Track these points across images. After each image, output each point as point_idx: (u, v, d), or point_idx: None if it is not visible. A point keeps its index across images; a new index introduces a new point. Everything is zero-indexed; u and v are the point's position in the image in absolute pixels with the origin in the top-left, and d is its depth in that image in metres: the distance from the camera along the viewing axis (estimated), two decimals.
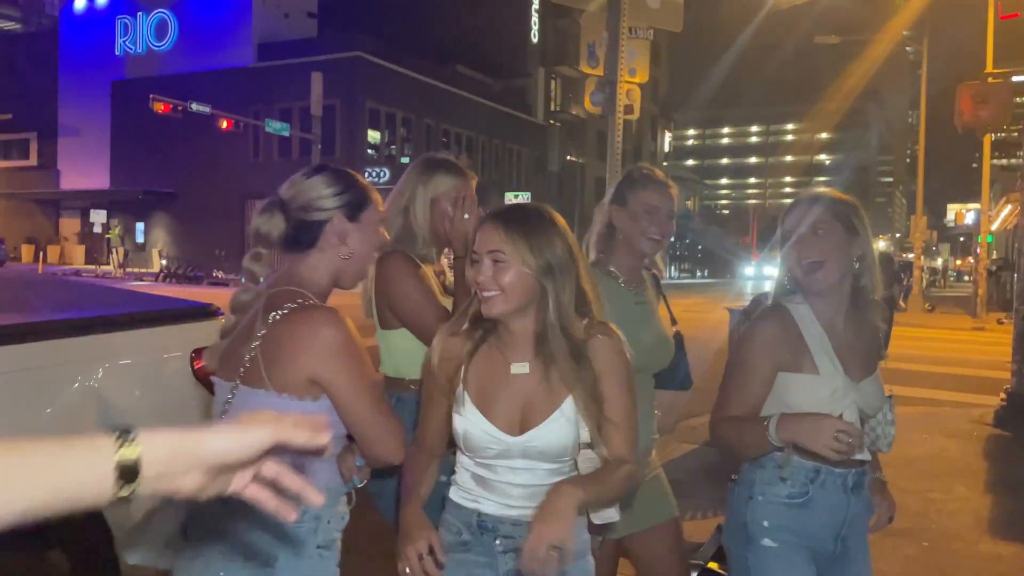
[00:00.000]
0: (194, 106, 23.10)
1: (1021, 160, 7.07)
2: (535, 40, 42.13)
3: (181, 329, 2.71)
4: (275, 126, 26.12)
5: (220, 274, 26.96)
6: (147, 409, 2.51)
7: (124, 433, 0.75)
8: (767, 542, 1.90)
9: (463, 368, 1.68)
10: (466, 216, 2.26)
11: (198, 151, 31.18)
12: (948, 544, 4.14)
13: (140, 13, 35.08)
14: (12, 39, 41.26)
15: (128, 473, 0.74)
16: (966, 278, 46.79)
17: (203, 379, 2.74)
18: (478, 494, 1.68)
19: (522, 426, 1.62)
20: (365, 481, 1.70)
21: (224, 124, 24.74)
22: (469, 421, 1.64)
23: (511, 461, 1.64)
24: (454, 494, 1.73)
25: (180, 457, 0.77)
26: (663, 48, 61.97)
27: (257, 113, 28.51)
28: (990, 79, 8.65)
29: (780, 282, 2.02)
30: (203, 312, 2.84)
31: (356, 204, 1.75)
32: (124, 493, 0.74)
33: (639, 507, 2.18)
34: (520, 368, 1.66)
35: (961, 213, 33.45)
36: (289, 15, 33.95)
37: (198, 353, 2.74)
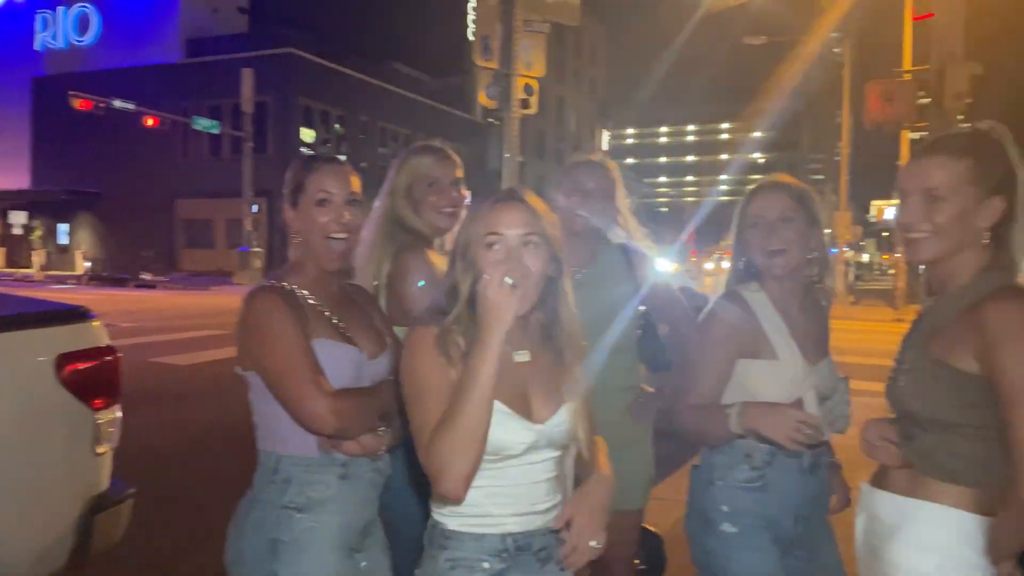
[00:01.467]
0: (117, 103, 22.37)
1: None
2: (472, 37, 41.99)
3: (45, 333, 2.57)
4: (204, 123, 25.47)
5: (148, 276, 26.15)
6: (4, 415, 2.37)
7: None
8: (727, 527, 1.94)
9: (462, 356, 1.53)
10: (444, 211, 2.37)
11: (124, 150, 30.18)
12: None
13: (60, 7, 33.81)
14: None
15: None
16: (891, 272, 48.47)
17: (71, 386, 2.61)
18: (499, 513, 1.52)
19: (536, 415, 1.55)
20: (360, 454, 1.78)
21: (150, 122, 24.03)
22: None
23: (537, 454, 1.54)
24: (464, 525, 1.53)
25: None
26: (601, 48, 62.55)
27: (186, 110, 27.74)
28: (896, 77, 8.93)
29: (735, 269, 2.07)
30: (72, 315, 2.71)
31: (294, 191, 1.87)
32: None
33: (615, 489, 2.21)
34: (522, 356, 1.57)
35: (881, 209, 34.55)
36: (219, 10, 33.14)
37: (65, 359, 2.61)
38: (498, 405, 1.48)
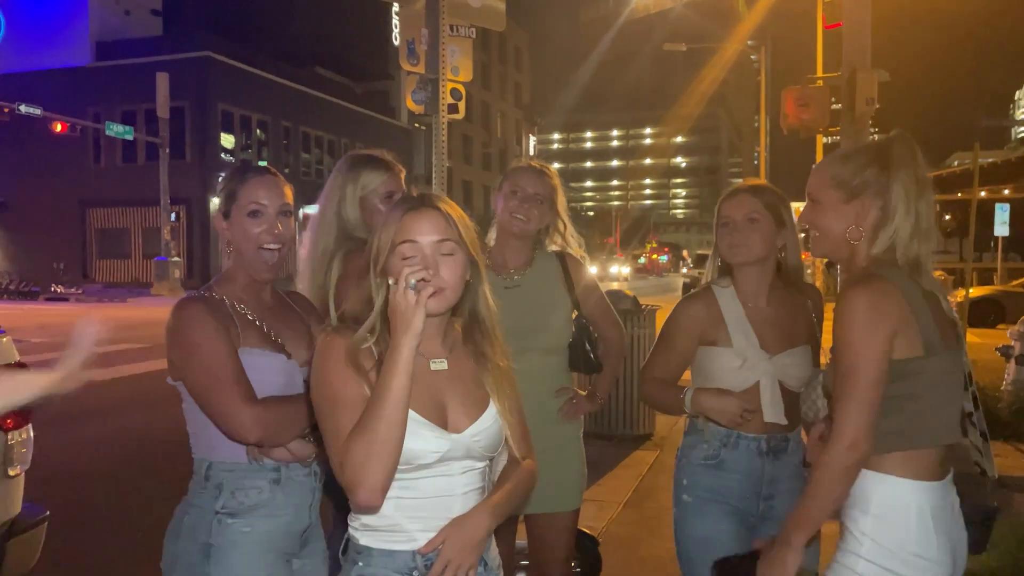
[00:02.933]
0: (23, 108, 21.36)
1: None
2: (396, 42, 41.75)
3: None
4: (117, 129, 24.56)
5: (59, 288, 25.02)
6: None
7: None
8: (685, 497, 2.19)
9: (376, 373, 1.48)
10: None
11: (32, 156, 28.83)
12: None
13: None
14: None
15: None
16: (808, 271, 50.29)
17: None
18: (411, 528, 1.46)
19: (453, 425, 1.50)
20: (286, 461, 1.77)
21: (58, 127, 23.04)
22: None
23: (452, 464, 1.48)
24: (374, 540, 1.48)
25: None
26: (525, 53, 63.06)
27: (97, 116, 26.70)
28: (810, 84, 9.28)
29: (714, 266, 2.27)
30: None
31: (226, 201, 1.87)
32: None
33: (550, 490, 2.31)
34: (439, 364, 1.53)
35: (799, 210, 35.93)
36: (130, 12, 31.98)
37: None
38: (411, 414, 1.43)
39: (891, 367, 1.55)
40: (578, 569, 2.91)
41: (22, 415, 2.63)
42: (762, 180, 2.30)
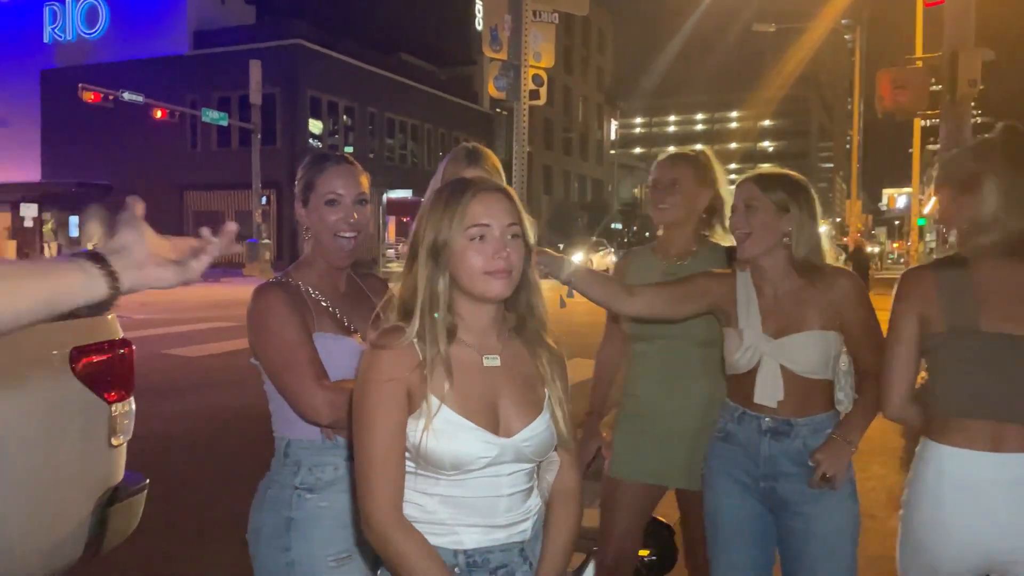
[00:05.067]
0: (126, 95, 22.41)
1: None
2: (480, 28, 41.87)
3: (60, 327, 2.58)
4: (212, 115, 25.50)
5: None
6: (17, 414, 2.39)
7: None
8: (704, 468, 2.31)
9: (427, 373, 1.41)
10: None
11: (134, 142, 30.30)
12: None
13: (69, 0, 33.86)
14: None
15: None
16: (901, 260, 48.15)
17: (86, 379, 2.63)
18: (455, 524, 1.43)
19: (504, 426, 1.45)
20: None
21: (158, 114, 24.07)
22: (447, 432, 1.40)
23: (500, 468, 1.44)
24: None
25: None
26: (608, 37, 62.28)
27: (194, 102, 27.78)
28: (908, 65, 8.86)
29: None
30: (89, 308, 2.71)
31: (304, 189, 1.93)
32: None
33: (700, 470, 2.36)
34: (492, 360, 1.48)
35: (893, 197, 34.41)
36: (226, 1, 33.13)
37: (80, 352, 2.63)
38: (460, 419, 1.41)
39: (921, 339, 1.86)
40: (653, 557, 2.90)
41: (125, 387, 2.79)
42: (782, 170, 2.27)
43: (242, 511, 1.92)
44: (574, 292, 2.22)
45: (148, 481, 2.93)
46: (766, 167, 2.27)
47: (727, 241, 2.52)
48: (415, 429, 1.40)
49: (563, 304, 10.34)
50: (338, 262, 1.92)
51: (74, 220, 33.87)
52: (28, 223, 31.23)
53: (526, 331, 1.52)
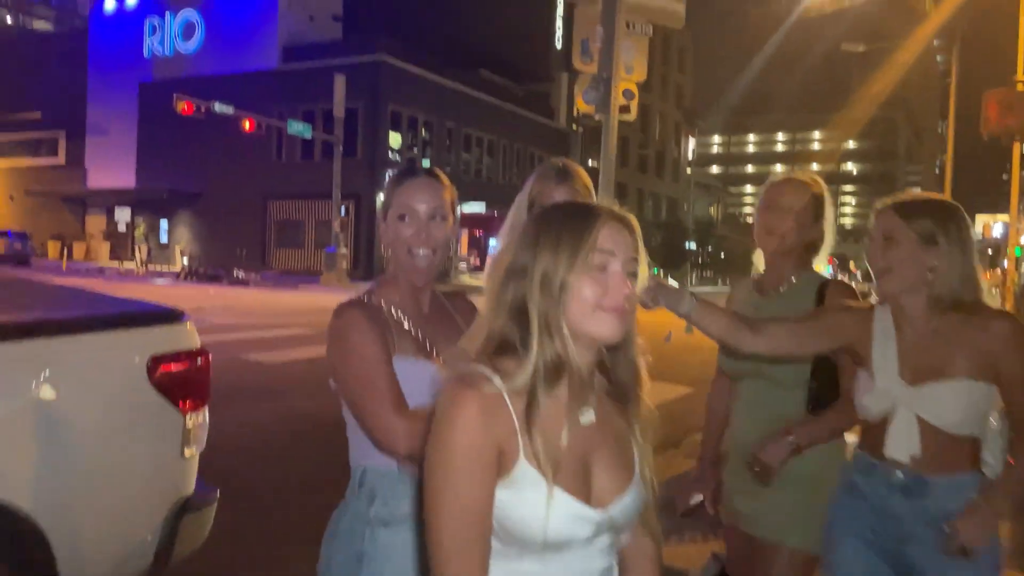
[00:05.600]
0: (217, 107, 23.25)
1: None
2: (559, 45, 42.01)
3: (139, 334, 2.59)
4: (297, 128, 26.23)
5: (240, 273, 27.07)
6: (94, 421, 2.39)
7: None
8: (827, 520, 2.10)
9: (519, 432, 1.18)
10: None
11: (222, 151, 31.44)
12: None
13: (168, 14, 35.48)
14: (44, 39, 41.89)
15: None
16: (994, 291, 45.88)
17: (162, 388, 2.63)
18: None
19: (598, 494, 1.26)
20: None
21: (247, 125, 24.88)
22: (541, 503, 1.18)
23: (595, 541, 1.26)
24: None
25: None
26: (688, 54, 61.63)
27: (281, 114, 28.66)
28: (1016, 86, 8.37)
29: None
30: (166, 316, 2.72)
31: (384, 203, 1.88)
32: None
33: (773, 517, 2.24)
34: (589, 415, 1.27)
35: (989, 225, 32.74)
36: (314, 18, 34.14)
37: (158, 360, 2.62)
38: (559, 492, 1.19)
39: None
40: None
41: (201, 397, 2.78)
42: (931, 193, 2.05)
43: (313, 525, 1.86)
44: (693, 328, 2.01)
45: (219, 493, 2.91)
46: (913, 192, 2.04)
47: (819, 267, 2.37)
48: (503, 500, 1.18)
49: (668, 339, 9.66)
50: (415, 280, 1.84)
51: (164, 225, 35.32)
52: (121, 227, 32.71)
53: (619, 381, 1.33)
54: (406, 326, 1.82)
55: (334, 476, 1.91)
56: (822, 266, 2.38)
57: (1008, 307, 17.80)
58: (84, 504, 2.40)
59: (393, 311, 1.82)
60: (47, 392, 2.26)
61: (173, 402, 2.66)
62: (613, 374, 1.34)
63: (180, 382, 2.70)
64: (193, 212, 34.29)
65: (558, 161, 2.27)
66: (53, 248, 35.02)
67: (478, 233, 36.22)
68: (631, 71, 5.18)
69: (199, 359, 2.78)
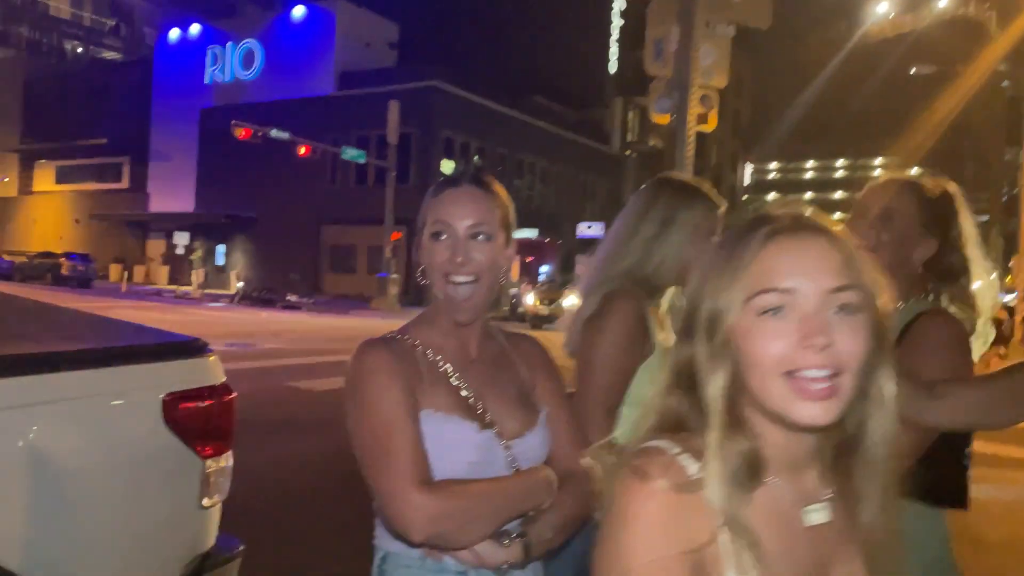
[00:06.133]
0: (273, 132, 23.55)
1: None
2: (613, 71, 41.79)
3: (154, 369, 2.28)
4: (351, 153, 26.42)
5: (293, 297, 27.21)
6: (98, 470, 2.09)
7: None
8: None
9: (725, 540, 0.85)
10: None
11: (278, 177, 31.89)
12: None
13: (229, 43, 36.37)
14: (110, 68, 43.32)
15: None
16: None
17: (179, 430, 2.32)
18: None
19: None
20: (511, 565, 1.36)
21: (302, 150, 25.15)
22: None
23: None
24: None
25: None
26: (746, 78, 60.83)
27: (335, 140, 28.94)
28: None
29: None
30: (186, 348, 2.42)
31: (420, 220, 1.51)
32: None
33: None
34: (818, 514, 0.91)
35: None
36: (370, 45, 34.60)
37: (174, 397, 2.32)
38: None
39: None
40: None
41: (224, 440, 2.47)
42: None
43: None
44: None
45: (243, 547, 2.58)
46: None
47: (963, 313, 1.78)
48: None
49: None
50: (455, 315, 1.45)
51: (220, 249, 35.90)
52: (180, 251, 33.30)
53: (861, 464, 0.91)
54: (444, 373, 1.44)
55: (368, 523, 1.56)
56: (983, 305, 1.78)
57: None
58: (85, 565, 2.09)
59: (429, 354, 1.45)
60: (42, 437, 1.96)
61: (191, 446, 2.34)
62: (849, 452, 0.92)
63: (200, 423, 2.38)
64: (249, 236, 34.79)
65: (671, 173, 1.98)
66: (114, 271, 35.87)
67: (528, 260, 35.95)
68: (710, 75, 4.72)
69: (223, 396, 2.47)
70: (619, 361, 1.86)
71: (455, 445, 1.36)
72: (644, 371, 1.87)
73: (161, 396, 2.26)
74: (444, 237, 1.43)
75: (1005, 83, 23.95)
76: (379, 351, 1.41)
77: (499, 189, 1.51)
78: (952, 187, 1.89)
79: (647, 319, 1.91)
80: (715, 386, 0.86)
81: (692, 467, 0.84)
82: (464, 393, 1.43)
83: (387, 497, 1.31)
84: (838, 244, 0.87)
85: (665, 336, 1.91)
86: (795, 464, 0.90)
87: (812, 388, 0.82)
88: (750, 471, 0.86)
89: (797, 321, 0.83)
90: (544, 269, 32.66)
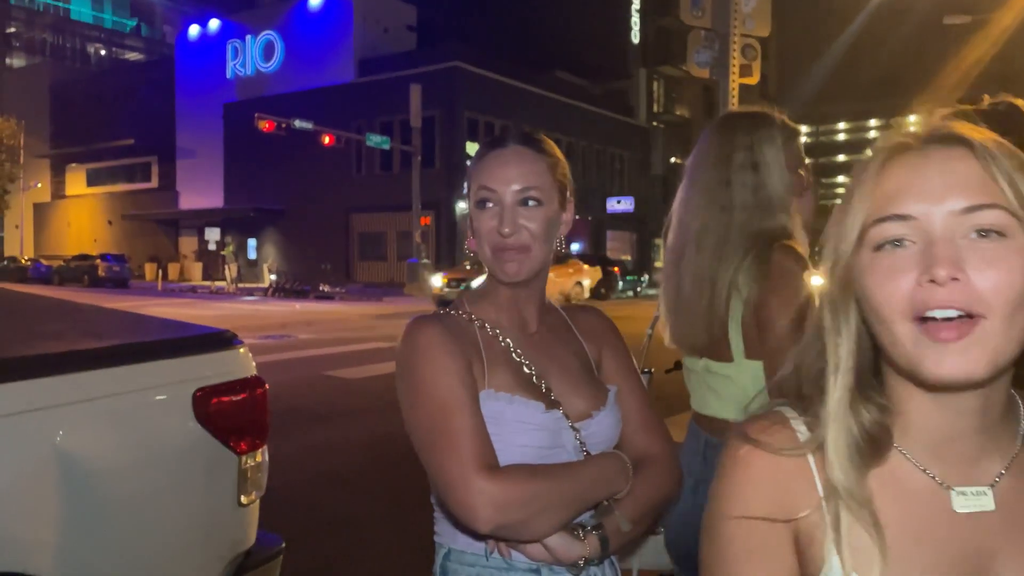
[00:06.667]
0: (297, 123, 23.53)
1: None
2: (636, 40, 41.15)
3: (183, 363, 2.18)
4: (376, 140, 26.32)
5: (326, 287, 27.32)
6: (129, 470, 1.99)
7: None
8: None
9: (834, 515, 0.76)
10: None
11: (305, 168, 31.98)
12: None
13: (249, 36, 36.42)
14: (133, 68, 43.74)
15: None
16: None
17: (212, 426, 2.21)
18: None
19: None
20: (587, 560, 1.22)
21: (327, 140, 25.11)
22: None
23: None
24: None
25: None
26: (771, 41, 59.59)
27: (359, 128, 28.88)
28: None
29: None
30: (215, 341, 2.31)
31: (467, 188, 1.39)
32: None
33: None
34: (973, 500, 0.75)
35: None
36: (389, 29, 34.42)
37: (205, 392, 2.21)
38: None
39: None
40: None
41: (258, 434, 2.36)
42: None
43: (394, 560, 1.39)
44: None
45: (284, 545, 2.49)
46: None
47: None
48: None
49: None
50: (505, 278, 1.32)
51: (252, 243, 36.18)
52: (212, 246, 33.60)
53: None
54: (505, 349, 1.30)
55: (417, 509, 1.43)
56: None
57: None
58: (120, 569, 2.00)
59: (487, 328, 1.31)
60: (71, 438, 1.87)
61: (225, 442, 2.24)
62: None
63: (234, 417, 2.27)
64: (278, 229, 34.99)
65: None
66: (150, 270, 36.35)
67: None
68: (752, 25, 4.46)
69: (256, 389, 2.36)
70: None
71: (520, 427, 1.22)
72: None
73: (192, 391, 2.16)
74: (490, 205, 1.30)
75: None
76: (432, 327, 1.27)
77: (551, 147, 1.36)
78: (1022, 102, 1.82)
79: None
80: (834, 341, 0.74)
81: (805, 432, 0.76)
82: (527, 371, 1.29)
83: (449, 484, 1.17)
84: (981, 155, 0.70)
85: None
86: (948, 438, 0.74)
87: (944, 333, 0.67)
88: (872, 443, 0.74)
89: (920, 252, 0.69)
90: (575, 247, 32.43)
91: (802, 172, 1.77)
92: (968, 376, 0.68)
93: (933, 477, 0.75)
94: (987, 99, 1.86)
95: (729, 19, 4.43)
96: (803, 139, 1.85)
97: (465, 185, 1.37)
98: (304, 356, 10.74)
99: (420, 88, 26.49)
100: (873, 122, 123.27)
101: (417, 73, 28.93)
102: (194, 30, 38.83)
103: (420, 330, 1.26)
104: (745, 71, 4.64)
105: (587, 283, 23.64)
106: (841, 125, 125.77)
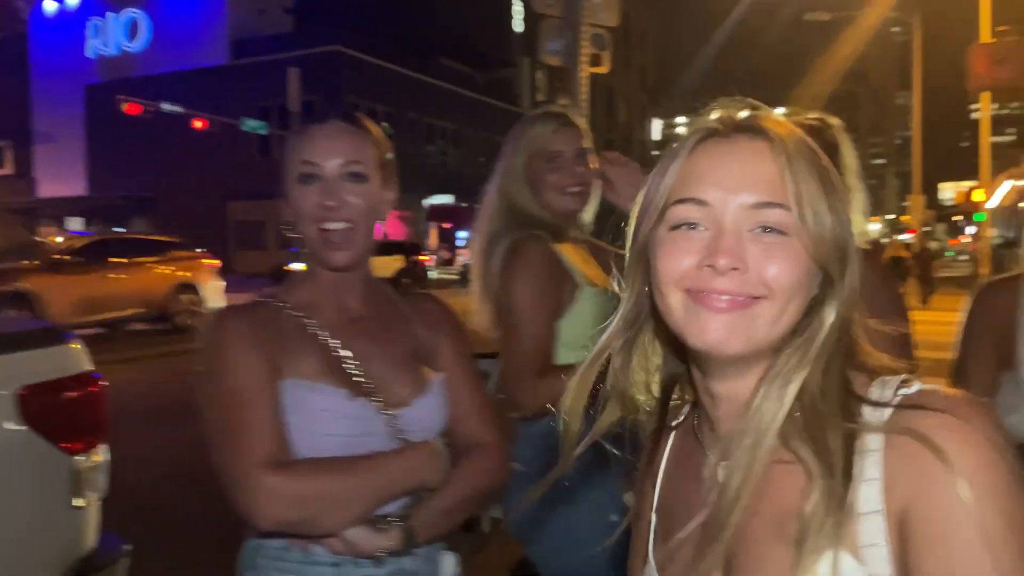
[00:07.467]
0: (165, 106, 22.38)
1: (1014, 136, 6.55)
2: (519, 29, 41.43)
3: (3, 361, 2.05)
4: (252, 124, 25.39)
5: None
6: None
7: None
8: None
9: (657, 483, 0.88)
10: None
11: (176, 154, 30.49)
12: None
13: (110, 14, 34.30)
14: None
15: None
16: (962, 258, 46.44)
17: (39, 426, 2.09)
18: None
19: None
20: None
21: (198, 124, 24.05)
22: None
23: None
24: None
25: None
26: (650, 34, 61.34)
27: (234, 112, 27.75)
28: (1006, 37, 8.04)
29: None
30: (42, 337, 2.18)
31: (285, 166, 1.38)
32: None
33: None
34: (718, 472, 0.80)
35: (962, 192, 32.94)
36: (265, 11, 33.21)
37: (31, 391, 2.09)
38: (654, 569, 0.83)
39: None
40: None
41: (95, 433, 2.25)
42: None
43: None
44: None
45: (129, 547, 2.38)
46: None
47: None
48: None
49: None
50: (329, 261, 1.31)
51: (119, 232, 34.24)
52: None
53: (814, 423, 0.72)
54: (314, 336, 1.27)
55: None
56: None
57: (984, 271, 17.69)
58: None
59: (297, 316, 1.28)
60: None
61: (55, 442, 2.12)
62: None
63: (64, 416, 2.16)
64: (149, 218, 33.21)
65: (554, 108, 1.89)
66: None
67: (446, 226, 35.59)
68: (601, 14, 4.55)
69: (89, 386, 2.25)
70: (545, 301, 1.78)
71: (325, 416, 1.20)
72: (574, 312, 1.79)
73: (15, 389, 2.03)
74: (313, 180, 1.27)
75: (895, 29, 24.78)
76: (235, 318, 1.25)
77: (372, 127, 1.35)
78: (834, 120, 1.90)
79: (560, 258, 1.83)
80: (639, 312, 0.80)
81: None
82: (341, 355, 1.27)
83: (232, 481, 1.15)
84: (780, 152, 0.73)
85: (590, 270, 1.85)
86: (737, 406, 0.76)
87: (715, 303, 0.72)
88: (663, 411, 0.84)
89: (710, 239, 0.73)
90: (462, 235, 32.43)
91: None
92: (730, 350, 0.72)
93: (705, 446, 0.81)
94: (804, 114, 1.99)
95: (578, 10, 4.54)
96: (679, 129, 2.02)
97: (284, 165, 1.34)
98: (178, 350, 10.32)
99: (299, 72, 25.70)
100: (744, 113, 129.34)
101: (296, 56, 28.07)
102: (50, 5, 36.16)
103: (219, 325, 1.24)
104: (595, 61, 4.76)
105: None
106: (714, 116, 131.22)
